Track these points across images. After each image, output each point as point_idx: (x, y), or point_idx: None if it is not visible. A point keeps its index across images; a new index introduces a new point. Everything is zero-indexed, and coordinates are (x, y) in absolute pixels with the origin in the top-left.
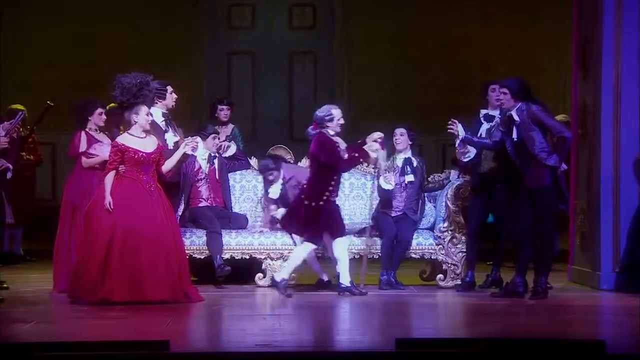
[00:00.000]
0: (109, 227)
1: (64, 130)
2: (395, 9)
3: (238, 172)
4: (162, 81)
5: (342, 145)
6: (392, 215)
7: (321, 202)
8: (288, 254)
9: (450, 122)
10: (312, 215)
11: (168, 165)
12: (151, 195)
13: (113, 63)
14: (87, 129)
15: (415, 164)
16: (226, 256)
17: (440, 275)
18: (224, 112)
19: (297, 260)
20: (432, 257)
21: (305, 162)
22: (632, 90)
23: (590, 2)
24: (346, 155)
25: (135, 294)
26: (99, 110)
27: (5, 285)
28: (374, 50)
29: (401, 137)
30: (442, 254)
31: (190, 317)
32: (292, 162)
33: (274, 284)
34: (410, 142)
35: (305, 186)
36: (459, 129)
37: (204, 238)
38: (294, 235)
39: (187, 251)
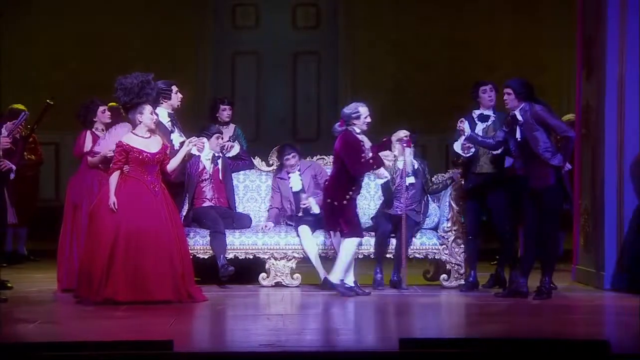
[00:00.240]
0: (113, 227)
1: (67, 130)
2: (399, 9)
3: (241, 172)
4: (167, 81)
5: (367, 144)
6: (392, 214)
7: (344, 202)
8: (292, 253)
9: (460, 120)
10: (339, 211)
11: (173, 164)
12: (155, 196)
13: (116, 63)
14: (93, 129)
15: (416, 165)
16: (230, 256)
17: (444, 275)
18: (226, 112)
19: (350, 257)
20: (436, 257)
21: (306, 162)
22: (636, 90)
23: (594, 3)
24: (370, 154)
25: (139, 294)
26: (102, 108)
27: (9, 285)
28: (378, 50)
29: (404, 139)
30: (446, 254)
31: (194, 317)
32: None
33: (331, 287)
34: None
35: (327, 184)
36: (466, 127)
37: (208, 238)
38: (331, 233)
39: (190, 251)
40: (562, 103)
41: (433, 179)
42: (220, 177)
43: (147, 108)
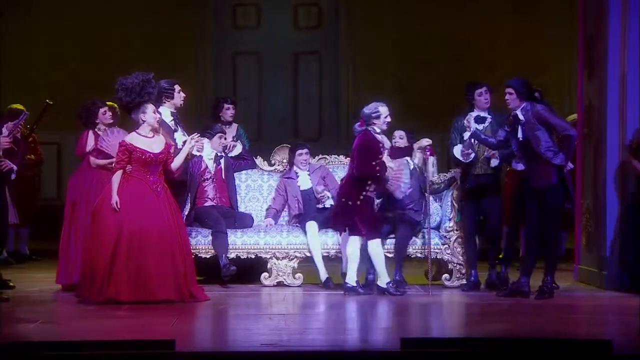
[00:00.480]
0: (116, 226)
1: (68, 130)
2: (399, 9)
3: (244, 172)
4: (169, 80)
5: (387, 144)
6: (390, 214)
7: (358, 202)
8: (294, 253)
9: (467, 116)
10: (354, 211)
11: (176, 162)
12: (158, 195)
13: (116, 63)
14: (96, 130)
15: (412, 166)
16: (232, 256)
17: (446, 275)
18: (229, 111)
19: (380, 256)
20: (438, 257)
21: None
22: (638, 89)
23: (595, 2)
24: (387, 153)
25: (141, 293)
26: (102, 109)
27: (11, 285)
28: (379, 50)
29: (400, 140)
30: (448, 254)
31: (195, 316)
32: None
33: (381, 292)
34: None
35: (343, 183)
36: (472, 123)
37: (210, 237)
38: (342, 234)
39: (192, 251)
40: (563, 103)
41: (434, 178)
42: (223, 177)
43: (150, 107)
